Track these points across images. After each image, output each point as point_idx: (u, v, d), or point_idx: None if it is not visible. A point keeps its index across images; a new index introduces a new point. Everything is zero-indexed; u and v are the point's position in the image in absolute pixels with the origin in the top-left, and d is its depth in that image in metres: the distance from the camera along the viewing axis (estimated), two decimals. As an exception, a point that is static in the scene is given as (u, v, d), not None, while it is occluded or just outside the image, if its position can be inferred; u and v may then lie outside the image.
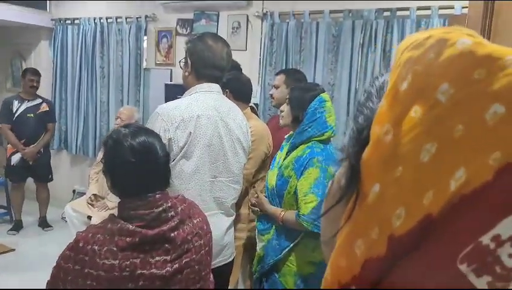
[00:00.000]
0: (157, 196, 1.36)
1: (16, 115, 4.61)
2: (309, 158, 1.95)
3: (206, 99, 1.88)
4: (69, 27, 5.14)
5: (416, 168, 0.44)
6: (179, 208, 1.41)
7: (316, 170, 1.93)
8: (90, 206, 3.92)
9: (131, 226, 1.29)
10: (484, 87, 0.42)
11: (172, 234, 1.35)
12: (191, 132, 1.78)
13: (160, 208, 1.35)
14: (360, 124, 0.52)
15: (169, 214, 1.37)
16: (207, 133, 1.83)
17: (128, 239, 1.28)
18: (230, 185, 1.95)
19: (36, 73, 4.71)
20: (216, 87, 1.93)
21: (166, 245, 1.34)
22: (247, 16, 4.08)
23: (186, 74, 1.95)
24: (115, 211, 1.40)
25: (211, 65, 1.90)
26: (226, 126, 1.90)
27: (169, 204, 1.38)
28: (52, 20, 5.26)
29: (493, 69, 0.43)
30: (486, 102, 0.42)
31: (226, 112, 1.92)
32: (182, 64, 1.98)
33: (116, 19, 4.78)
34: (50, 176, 4.85)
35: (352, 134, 0.53)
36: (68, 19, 5.15)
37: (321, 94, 2.03)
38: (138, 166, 1.36)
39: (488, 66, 0.43)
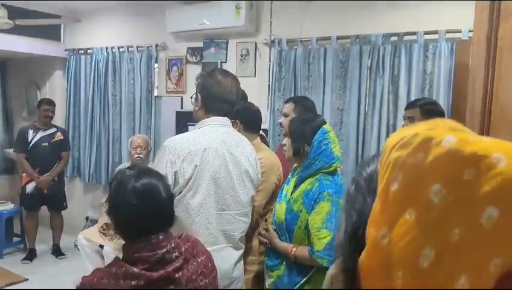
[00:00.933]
0: (160, 237, 1.37)
1: (31, 144, 4.69)
2: (319, 192, 1.93)
3: (215, 133, 1.90)
4: (82, 57, 5.26)
5: (416, 274, 0.44)
6: (183, 248, 1.42)
7: (327, 203, 1.91)
8: (102, 235, 3.93)
9: (136, 270, 1.30)
10: (476, 189, 0.42)
11: (177, 275, 1.35)
12: (196, 165, 1.79)
13: (164, 249, 1.35)
14: (354, 222, 0.52)
15: (174, 255, 1.37)
16: (214, 166, 1.83)
17: (133, 282, 1.28)
18: (238, 218, 1.94)
19: (51, 103, 4.80)
20: (225, 120, 1.96)
21: (172, 286, 1.34)
22: (256, 43, 4.13)
23: (197, 108, 1.98)
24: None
25: (220, 99, 1.93)
26: (234, 159, 1.90)
27: (173, 245, 1.39)
28: (66, 50, 5.39)
29: (482, 168, 0.43)
30: (480, 205, 0.42)
31: (235, 145, 1.93)
32: (193, 99, 2.01)
33: (128, 48, 4.88)
34: (64, 204, 4.90)
35: (347, 233, 0.53)
36: (81, 49, 5.27)
37: (323, 126, 2.03)
38: (140, 208, 1.37)
39: (476, 165, 0.43)
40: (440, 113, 2.76)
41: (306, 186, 1.99)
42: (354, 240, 0.51)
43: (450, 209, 0.43)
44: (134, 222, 1.38)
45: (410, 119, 2.74)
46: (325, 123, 2.08)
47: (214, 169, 1.83)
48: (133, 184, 1.38)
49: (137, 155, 3.98)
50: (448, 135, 0.46)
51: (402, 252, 0.44)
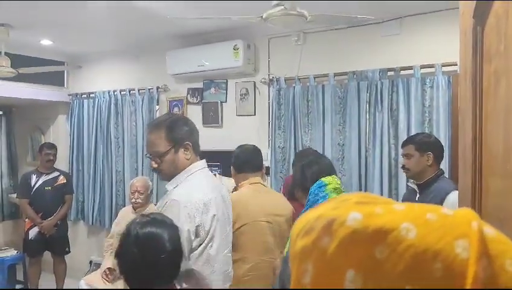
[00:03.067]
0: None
1: (34, 189, 4.70)
2: None
3: (207, 178, 1.94)
4: (85, 101, 5.34)
5: None
6: None
7: None
8: (105, 280, 3.88)
9: None
10: (391, 269, 0.40)
11: None
12: (214, 214, 1.82)
13: None
14: None
15: None
16: (219, 212, 1.87)
17: None
18: (230, 256, 1.99)
19: (52, 147, 4.84)
20: (204, 162, 2.00)
21: None
22: (254, 83, 4.18)
23: (187, 156, 1.95)
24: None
25: (197, 141, 1.99)
26: (224, 200, 1.97)
27: None
28: (69, 95, 5.48)
29: (391, 244, 0.40)
30: (397, 286, 0.39)
31: (220, 187, 2.05)
32: (172, 151, 1.92)
33: (129, 90, 4.95)
34: (67, 249, 4.86)
35: None
36: (84, 93, 5.36)
37: (321, 178, 2.00)
38: (142, 257, 1.36)
39: (385, 241, 0.41)
40: (434, 144, 2.76)
41: None
42: None
43: None
44: (135, 270, 1.37)
45: (407, 157, 2.74)
46: (328, 172, 2.07)
47: (219, 214, 1.87)
48: (137, 231, 1.39)
49: (134, 200, 3.97)
50: (353, 211, 0.43)
51: None
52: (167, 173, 1.88)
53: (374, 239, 0.41)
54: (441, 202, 2.42)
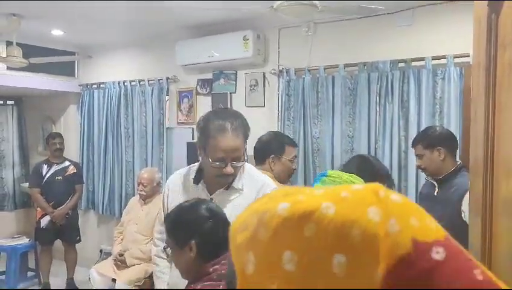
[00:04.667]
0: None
1: (45, 179, 4.75)
2: None
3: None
4: (95, 91, 5.36)
5: None
6: None
7: None
8: (115, 267, 3.92)
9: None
10: (319, 242, 0.46)
11: None
12: None
13: None
14: None
15: None
16: None
17: None
18: None
19: (58, 136, 4.90)
20: None
21: None
22: (264, 74, 4.17)
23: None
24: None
25: None
26: None
27: None
28: (79, 85, 5.51)
29: (316, 221, 0.47)
30: (328, 257, 0.46)
31: None
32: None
33: (139, 81, 4.96)
34: (78, 238, 4.91)
35: None
36: (94, 83, 5.38)
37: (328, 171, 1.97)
38: (215, 225, 1.49)
39: (311, 220, 0.47)
40: (442, 137, 2.67)
41: None
42: None
43: (307, 270, 0.46)
44: (212, 240, 1.43)
45: (419, 157, 2.68)
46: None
47: None
48: (203, 207, 1.51)
49: (140, 191, 4.07)
50: (281, 202, 0.49)
51: None
52: (235, 174, 1.84)
53: (302, 221, 0.47)
54: (460, 197, 2.35)
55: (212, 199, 1.81)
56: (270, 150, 2.65)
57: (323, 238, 0.46)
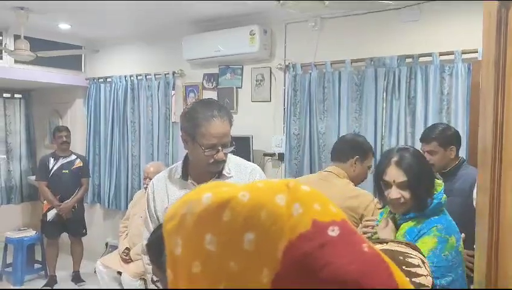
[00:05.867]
0: None
1: (52, 172, 4.78)
2: (427, 227, 1.67)
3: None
4: (102, 85, 5.38)
5: None
6: None
7: (432, 239, 1.63)
8: (124, 259, 3.95)
9: None
10: (234, 224, 0.54)
11: None
12: None
13: None
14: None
15: None
16: None
17: None
18: None
19: (65, 129, 4.92)
20: None
21: None
22: (270, 69, 4.17)
23: None
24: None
25: None
26: None
27: None
28: (86, 79, 5.53)
29: (233, 207, 0.55)
30: (239, 235, 0.53)
31: None
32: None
33: (146, 75, 4.97)
34: (84, 231, 4.94)
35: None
36: (101, 77, 5.40)
37: None
38: None
39: (229, 207, 0.55)
40: (455, 137, 2.76)
41: (410, 225, 1.73)
42: None
43: (224, 251, 0.54)
44: None
45: (431, 153, 2.68)
46: None
47: None
48: None
49: (145, 185, 4.07)
50: (206, 192, 0.57)
51: None
52: (224, 161, 1.89)
53: (221, 207, 0.55)
54: (470, 187, 2.40)
55: None
56: (357, 150, 2.54)
57: (237, 220, 0.54)
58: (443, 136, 2.72)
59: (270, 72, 4.17)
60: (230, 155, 1.95)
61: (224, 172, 1.89)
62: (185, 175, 1.93)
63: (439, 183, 1.79)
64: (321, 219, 0.55)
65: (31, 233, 5.08)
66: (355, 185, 2.53)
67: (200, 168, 1.88)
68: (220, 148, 1.80)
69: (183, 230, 0.57)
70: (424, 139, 2.81)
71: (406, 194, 1.70)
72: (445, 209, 1.78)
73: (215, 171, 1.88)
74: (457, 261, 1.65)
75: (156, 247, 1.43)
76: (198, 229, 0.55)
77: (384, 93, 3.58)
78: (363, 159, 2.56)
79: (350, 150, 2.54)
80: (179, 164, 1.99)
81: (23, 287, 4.76)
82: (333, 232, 0.55)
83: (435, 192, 1.73)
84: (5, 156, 5.84)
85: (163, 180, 1.98)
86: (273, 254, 0.53)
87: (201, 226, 0.55)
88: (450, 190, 2.56)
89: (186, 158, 1.96)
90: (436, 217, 1.71)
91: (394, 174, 1.72)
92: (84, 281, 4.84)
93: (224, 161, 1.87)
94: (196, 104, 1.89)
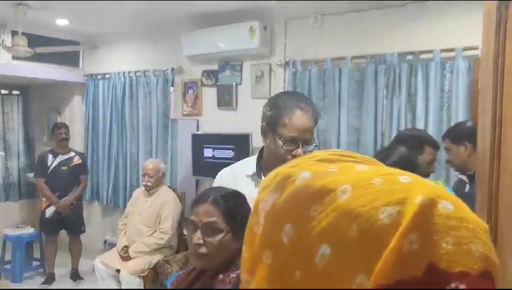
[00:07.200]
0: None
1: (50, 169, 4.76)
2: None
3: None
4: (100, 82, 5.35)
5: None
6: None
7: None
8: (120, 258, 3.93)
9: None
10: (316, 226, 0.43)
11: None
12: None
13: None
14: None
15: None
16: None
17: None
18: None
19: (63, 126, 4.90)
20: None
21: None
22: (270, 65, 4.13)
23: None
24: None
25: None
26: None
27: None
28: (84, 76, 5.50)
29: (325, 203, 0.43)
30: (316, 243, 0.42)
31: None
32: None
33: (144, 72, 4.95)
34: (82, 228, 4.93)
35: None
36: (99, 74, 5.37)
37: None
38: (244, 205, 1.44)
39: (321, 201, 0.43)
40: (469, 132, 2.48)
41: None
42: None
43: (294, 250, 0.43)
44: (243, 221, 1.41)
45: (446, 150, 2.62)
46: None
47: None
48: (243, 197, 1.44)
49: (145, 182, 4.11)
50: (306, 170, 0.46)
51: None
52: None
53: (313, 198, 0.44)
54: None
55: None
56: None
57: (321, 222, 0.42)
58: (454, 131, 2.61)
59: (270, 68, 4.14)
60: None
61: None
62: (259, 172, 1.74)
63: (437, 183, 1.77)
64: (444, 265, 0.38)
65: (30, 230, 5.06)
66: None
67: (275, 165, 1.73)
68: (300, 143, 1.61)
69: (268, 209, 0.47)
70: (442, 137, 2.73)
71: None
72: None
73: None
74: None
75: (242, 210, 1.37)
76: (283, 214, 0.45)
77: (385, 90, 3.56)
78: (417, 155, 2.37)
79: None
80: (250, 159, 1.83)
81: (21, 285, 4.75)
82: None
83: None
84: (3, 153, 5.81)
85: (231, 175, 1.80)
86: (346, 285, 0.39)
87: (286, 212, 0.45)
88: (473, 195, 2.44)
89: (260, 153, 1.79)
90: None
91: None
92: (82, 279, 4.83)
93: None
94: (283, 93, 1.73)
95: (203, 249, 1.33)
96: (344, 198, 0.42)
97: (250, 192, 1.61)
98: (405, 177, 0.43)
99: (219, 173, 1.84)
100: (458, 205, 0.41)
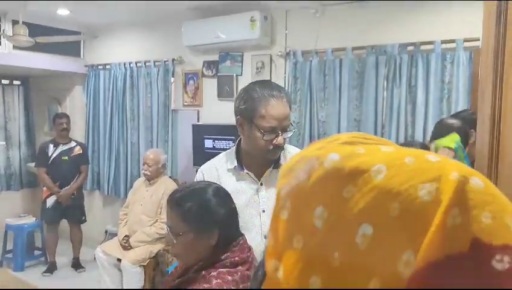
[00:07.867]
0: (243, 238, 1.44)
1: (51, 159, 4.78)
2: None
3: None
4: (101, 72, 5.35)
5: None
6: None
7: None
8: (121, 248, 3.96)
9: (247, 272, 1.32)
10: (352, 207, 0.41)
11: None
12: None
13: (250, 251, 1.43)
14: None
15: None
16: None
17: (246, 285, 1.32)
18: None
19: (64, 116, 4.91)
20: None
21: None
22: (271, 56, 4.13)
23: None
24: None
25: None
26: None
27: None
28: (85, 66, 5.49)
29: (359, 184, 0.42)
30: (355, 224, 0.41)
31: None
32: None
33: (145, 62, 4.94)
34: (83, 218, 4.96)
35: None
36: (100, 64, 5.36)
37: None
38: (231, 209, 1.45)
39: (355, 182, 0.42)
40: (472, 118, 2.40)
41: None
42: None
43: (330, 232, 0.42)
44: (231, 230, 1.40)
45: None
46: None
47: None
48: (222, 192, 1.43)
49: (144, 171, 4.13)
50: (333, 152, 0.45)
51: (296, 283, 0.43)
52: (283, 147, 1.72)
53: (346, 179, 0.43)
54: None
55: (261, 183, 1.72)
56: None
57: (358, 203, 0.41)
58: (459, 118, 2.52)
59: (271, 59, 4.14)
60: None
61: (282, 161, 1.71)
62: (240, 165, 1.75)
63: None
64: (487, 239, 0.38)
65: (31, 220, 5.10)
66: None
67: (256, 157, 1.72)
68: (279, 132, 1.62)
69: (295, 192, 0.46)
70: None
71: None
72: None
73: (273, 159, 1.71)
74: None
75: (204, 207, 1.38)
76: (313, 196, 0.44)
77: (385, 81, 3.56)
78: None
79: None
80: (228, 153, 1.82)
81: (23, 273, 4.79)
82: (499, 264, 0.38)
83: None
84: (4, 143, 5.83)
85: (213, 170, 1.79)
86: (390, 264, 0.39)
87: (316, 194, 0.44)
88: None
89: (238, 146, 1.79)
90: None
91: None
92: (84, 268, 4.87)
93: (282, 148, 1.68)
94: (254, 84, 1.73)
95: (173, 250, 1.42)
96: (380, 178, 0.42)
97: (233, 186, 1.69)
98: (432, 156, 0.44)
99: (199, 170, 1.84)
100: (486, 181, 0.42)
